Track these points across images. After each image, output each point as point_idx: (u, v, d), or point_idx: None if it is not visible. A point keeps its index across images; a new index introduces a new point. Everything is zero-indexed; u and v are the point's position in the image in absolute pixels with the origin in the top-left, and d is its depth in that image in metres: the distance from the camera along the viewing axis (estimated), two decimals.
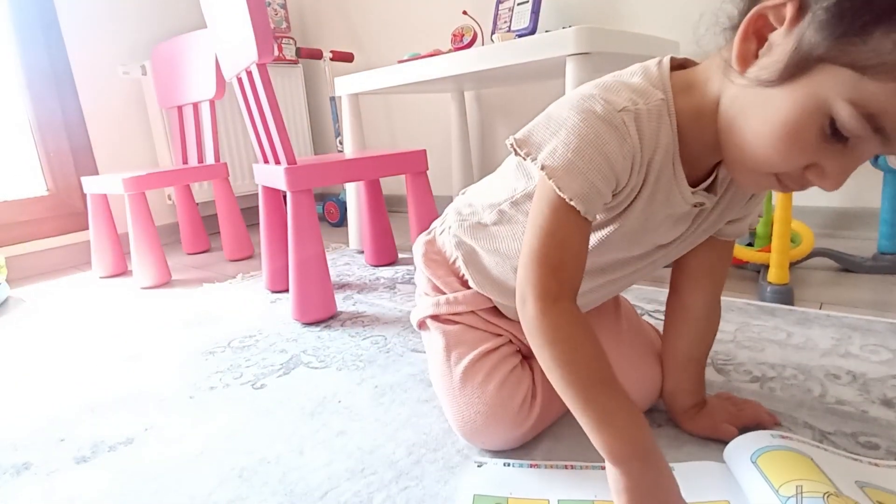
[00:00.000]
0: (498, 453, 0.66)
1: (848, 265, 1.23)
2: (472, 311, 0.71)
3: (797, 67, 0.39)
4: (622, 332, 0.73)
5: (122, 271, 1.87)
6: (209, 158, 1.92)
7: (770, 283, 1.09)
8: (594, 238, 0.56)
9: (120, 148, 2.23)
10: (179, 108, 1.99)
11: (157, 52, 1.98)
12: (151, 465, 0.72)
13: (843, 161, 0.41)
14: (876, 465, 0.57)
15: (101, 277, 1.84)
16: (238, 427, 0.79)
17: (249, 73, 1.15)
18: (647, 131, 0.48)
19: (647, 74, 0.50)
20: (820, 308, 1.04)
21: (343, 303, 1.31)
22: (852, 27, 0.35)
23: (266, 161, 1.29)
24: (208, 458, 0.72)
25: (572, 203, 0.47)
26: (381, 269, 1.61)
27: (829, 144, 0.40)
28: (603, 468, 0.61)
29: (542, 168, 0.48)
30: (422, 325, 0.76)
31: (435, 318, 0.73)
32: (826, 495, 0.48)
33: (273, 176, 1.22)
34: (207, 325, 1.26)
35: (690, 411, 0.67)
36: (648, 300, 1.15)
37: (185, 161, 2.01)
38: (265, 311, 1.31)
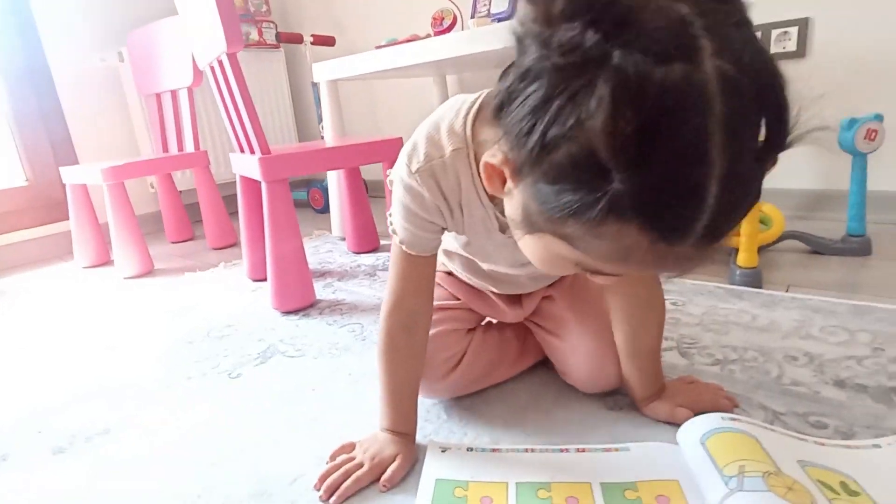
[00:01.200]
0: (463, 438, 0.69)
1: (818, 247, 1.26)
2: (442, 282, 0.79)
3: (529, 227, 0.42)
4: (585, 321, 0.75)
5: (105, 261, 1.86)
6: (189, 146, 1.91)
7: (739, 266, 1.11)
8: (458, 245, 0.68)
9: (100, 137, 2.20)
10: (158, 96, 1.97)
11: (133, 38, 1.95)
12: (127, 455, 0.73)
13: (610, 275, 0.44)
14: (822, 444, 0.59)
15: (83, 268, 1.84)
16: (213, 418, 0.81)
17: (221, 63, 1.14)
18: (444, 181, 0.55)
19: (455, 120, 0.54)
20: (787, 291, 1.07)
21: (323, 290, 1.33)
22: (553, 211, 0.36)
23: (242, 150, 1.29)
24: (183, 448, 0.74)
25: (403, 246, 0.62)
26: (362, 255, 1.62)
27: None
28: (562, 451, 0.64)
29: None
30: None
31: None
32: (766, 474, 0.50)
33: (248, 165, 1.22)
34: (187, 314, 1.27)
35: (649, 398, 0.69)
36: None
37: (165, 149, 2.00)
38: (245, 300, 1.32)
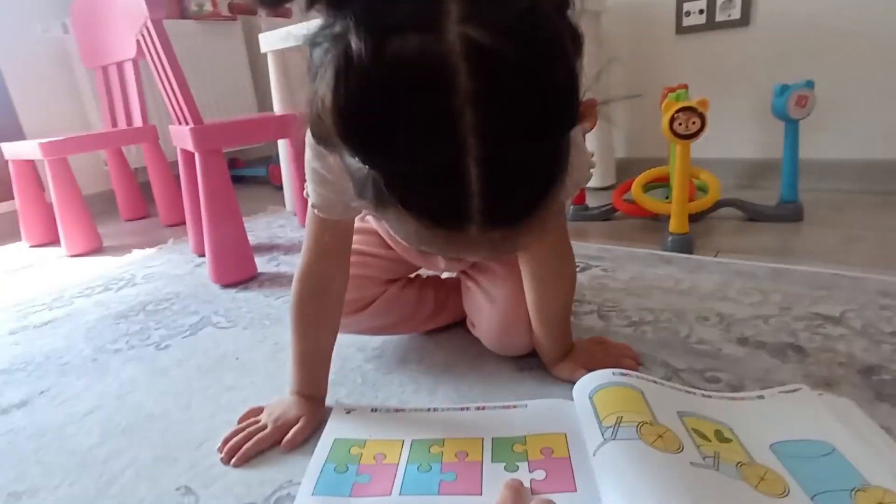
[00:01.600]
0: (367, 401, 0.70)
1: (752, 214, 1.28)
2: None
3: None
4: (511, 276, 0.74)
5: (53, 240, 1.82)
6: (137, 121, 1.86)
7: (671, 232, 1.13)
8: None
9: (48, 112, 2.14)
10: (104, 69, 1.91)
11: (76, 8, 1.88)
12: (39, 425, 0.73)
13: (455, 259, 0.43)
14: (709, 396, 0.61)
15: (30, 247, 1.80)
16: (132, 386, 0.81)
17: (149, 31, 1.11)
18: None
19: None
20: (715, 256, 1.09)
21: (266, 264, 1.32)
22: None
23: (178, 122, 1.26)
24: (97, 416, 0.74)
25: (316, 210, 0.60)
26: None
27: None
28: (463, 409, 0.65)
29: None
30: None
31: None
32: (640, 425, 0.52)
33: (183, 136, 1.20)
34: (127, 290, 1.26)
35: (556, 358, 0.71)
36: None
37: (113, 124, 1.94)
38: (187, 275, 1.31)
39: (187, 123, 1.18)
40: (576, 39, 0.34)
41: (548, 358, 0.72)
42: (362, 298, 0.76)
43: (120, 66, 1.84)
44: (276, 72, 1.67)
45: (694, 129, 1.03)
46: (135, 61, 1.80)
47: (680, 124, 1.04)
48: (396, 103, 0.29)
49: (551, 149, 0.33)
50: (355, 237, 0.75)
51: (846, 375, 0.65)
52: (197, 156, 1.14)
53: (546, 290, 0.69)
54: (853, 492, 0.46)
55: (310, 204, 0.61)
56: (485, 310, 0.75)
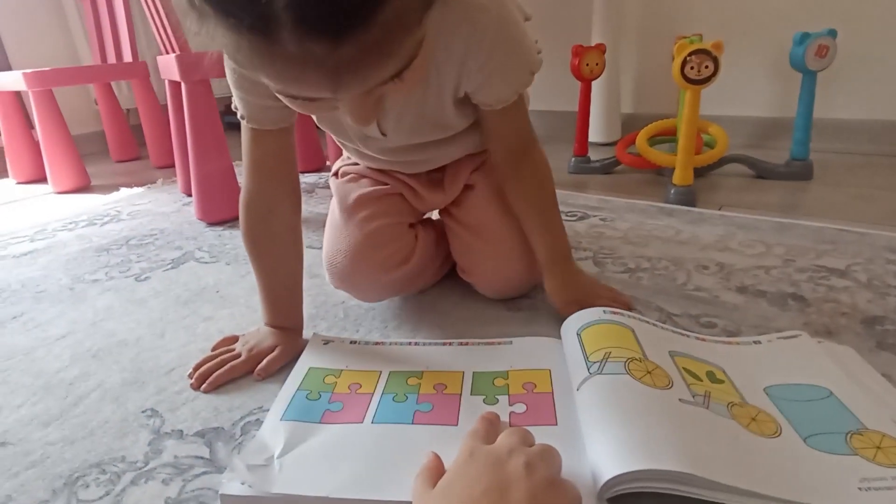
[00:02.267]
0: (346, 332, 0.67)
1: (761, 171, 1.23)
2: (366, 172, 0.74)
3: None
4: (505, 219, 0.70)
5: (41, 177, 1.78)
6: (127, 56, 1.79)
7: (674, 184, 1.08)
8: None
9: (36, 46, 2.06)
10: (93, 0, 1.82)
11: None
12: (8, 347, 0.71)
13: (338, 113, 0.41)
14: (703, 339, 0.58)
15: (17, 183, 1.76)
16: (108, 315, 0.78)
17: None
18: None
19: None
20: (719, 210, 1.05)
21: None
22: None
23: (165, 51, 1.20)
24: (68, 340, 0.71)
25: (246, 122, 0.58)
26: (306, 175, 1.56)
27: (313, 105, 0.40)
28: (445, 344, 0.62)
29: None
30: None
31: (336, 175, 0.77)
32: (628, 360, 0.49)
33: (170, 66, 1.14)
34: (111, 225, 1.22)
35: (555, 268, 0.67)
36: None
37: (103, 59, 1.87)
38: (173, 213, 1.28)
39: (174, 52, 1.12)
40: None
41: (546, 260, 0.66)
42: (400, 249, 0.69)
43: None
44: None
45: (707, 73, 0.98)
46: None
47: (692, 68, 0.98)
48: None
49: None
50: (364, 187, 0.72)
51: (848, 325, 0.62)
52: (183, 86, 1.09)
53: (522, 183, 0.65)
54: (848, 435, 0.44)
55: (239, 116, 0.58)
56: (474, 249, 0.71)
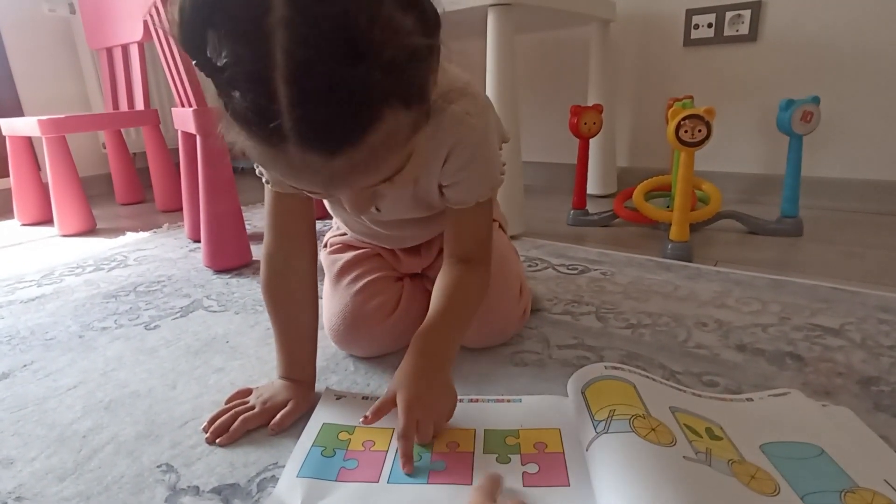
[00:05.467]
0: (356, 384, 0.68)
1: (752, 227, 1.28)
2: (352, 242, 0.82)
3: None
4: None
5: (47, 219, 1.80)
6: (139, 104, 1.85)
7: (671, 240, 1.12)
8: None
9: (50, 92, 2.12)
10: (109, 51, 1.89)
11: None
12: (20, 397, 0.71)
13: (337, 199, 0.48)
14: (698, 395, 0.60)
15: (22, 225, 1.78)
16: (118, 364, 0.79)
17: (158, 11, 1.10)
18: None
19: None
20: (715, 265, 1.08)
21: None
22: None
23: (181, 104, 1.25)
24: (80, 391, 0.72)
25: (269, 185, 0.62)
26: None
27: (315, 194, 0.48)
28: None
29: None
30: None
31: (325, 246, 0.85)
32: (633, 418, 0.51)
33: (185, 119, 1.19)
34: (118, 270, 1.24)
35: (405, 370, 0.61)
36: (557, 255, 1.18)
37: (115, 107, 1.93)
38: (180, 259, 1.29)
39: (191, 106, 1.17)
40: None
41: (402, 367, 0.58)
42: (387, 300, 0.75)
43: (125, 48, 1.83)
44: None
45: (700, 136, 1.03)
46: (140, 45, 1.79)
47: (686, 132, 1.04)
48: (220, 15, 0.34)
49: (361, 76, 0.35)
50: (348, 253, 0.79)
51: (845, 385, 0.64)
52: (198, 138, 1.13)
53: (450, 286, 0.64)
54: (842, 493, 0.46)
55: (264, 180, 0.62)
56: None
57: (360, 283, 0.75)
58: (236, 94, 0.36)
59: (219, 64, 0.35)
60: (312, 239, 0.67)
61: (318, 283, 0.69)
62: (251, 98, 0.35)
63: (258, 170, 0.61)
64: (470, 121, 0.57)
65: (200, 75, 0.43)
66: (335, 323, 0.74)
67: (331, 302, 0.76)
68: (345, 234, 0.83)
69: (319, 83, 0.35)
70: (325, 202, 0.71)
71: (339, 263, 0.78)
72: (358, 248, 0.81)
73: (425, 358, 0.58)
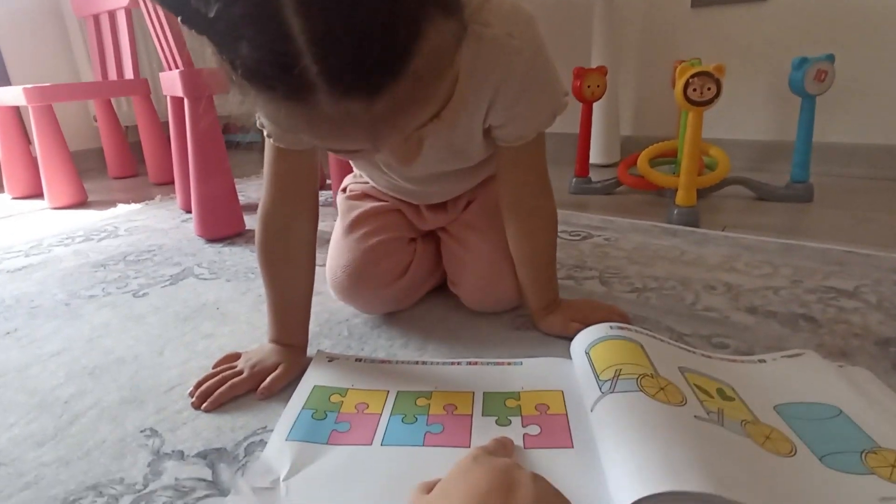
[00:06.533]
0: (351, 349, 0.66)
1: (761, 193, 1.24)
2: (372, 192, 0.77)
3: None
4: (490, 231, 0.71)
5: (38, 192, 1.76)
6: (128, 73, 1.79)
7: (677, 205, 1.08)
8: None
9: (39, 64, 2.06)
10: (96, 18, 1.83)
11: None
12: (1, 365, 0.68)
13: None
14: (709, 357, 0.57)
15: (12, 198, 1.74)
16: (105, 331, 0.76)
17: None
18: None
19: None
20: (723, 230, 1.05)
21: (255, 223, 1.27)
22: None
23: (168, 67, 1.20)
24: (64, 357, 0.69)
25: (271, 139, 0.57)
26: None
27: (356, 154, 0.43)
28: (453, 363, 0.61)
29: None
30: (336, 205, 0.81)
31: (343, 191, 0.80)
32: (640, 377, 0.48)
33: (173, 82, 1.14)
34: (108, 241, 1.20)
35: (542, 311, 0.67)
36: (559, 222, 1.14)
37: (104, 76, 1.87)
38: (172, 229, 1.26)
39: (178, 68, 1.12)
40: None
41: (534, 306, 0.68)
42: (398, 263, 0.72)
43: (112, 14, 1.76)
44: None
45: (709, 95, 0.99)
46: (127, 10, 1.73)
47: (694, 90, 0.99)
48: None
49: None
50: (366, 204, 0.75)
51: (862, 346, 0.61)
52: (186, 102, 1.08)
53: (526, 228, 0.65)
54: (863, 454, 0.43)
55: (266, 134, 0.57)
56: (464, 262, 0.72)
57: (372, 241, 0.70)
58: (243, 45, 0.29)
59: (210, 14, 0.29)
60: (314, 199, 0.63)
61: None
62: (261, 43, 0.29)
63: (258, 121, 0.56)
64: (513, 44, 0.49)
65: (195, 41, 0.34)
66: (338, 275, 0.70)
67: (338, 252, 0.72)
68: (367, 182, 0.77)
69: (341, 6, 0.27)
70: (350, 158, 0.67)
71: (355, 213, 0.73)
72: (378, 200, 0.76)
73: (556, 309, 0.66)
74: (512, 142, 0.59)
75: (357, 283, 0.70)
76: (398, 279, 0.71)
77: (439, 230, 0.77)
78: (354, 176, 0.81)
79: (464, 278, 0.72)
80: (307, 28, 0.27)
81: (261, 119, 0.55)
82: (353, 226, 0.73)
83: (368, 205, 0.75)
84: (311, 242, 0.63)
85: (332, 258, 0.72)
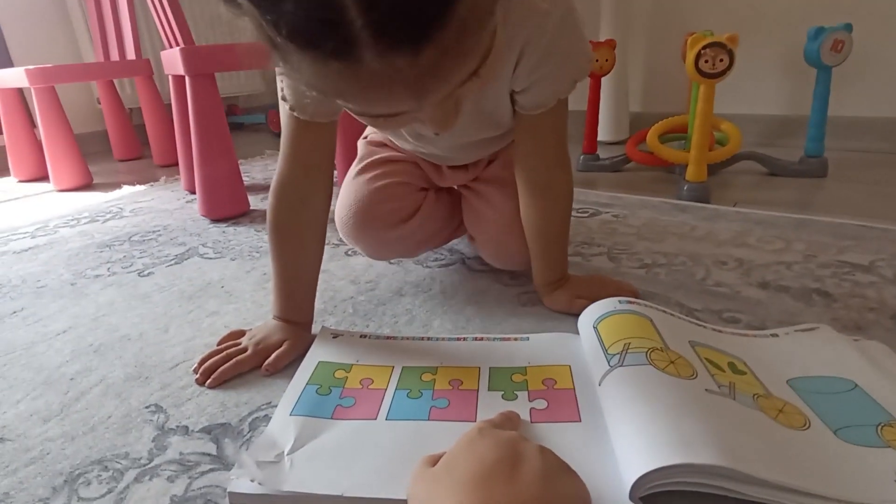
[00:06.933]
0: (355, 326, 0.65)
1: (774, 168, 1.21)
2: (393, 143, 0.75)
3: None
4: (504, 192, 0.70)
5: (43, 175, 1.76)
6: (130, 54, 1.77)
7: (687, 181, 1.06)
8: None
9: (38, 43, 2.05)
10: None
11: None
12: (8, 342, 0.69)
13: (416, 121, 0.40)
14: (720, 331, 0.56)
15: (18, 181, 1.74)
16: (110, 310, 0.76)
17: None
18: None
19: None
20: (734, 206, 1.03)
21: (260, 202, 1.26)
22: None
23: (169, 45, 1.19)
24: (69, 335, 0.69)
25: (294, 112, 0.56)
26: None
27: (394, 120, 0.39)
28: (459, 339, 0.60)
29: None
30: None
31: (364, 137, 0.80)
32: (650, 350, 0.47)
33: (174, 60, 1.12)
34: (113, 221, 1.20)
35: (549, 287, 0.66)
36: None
37: (106, 57, 1.86)
38: (177, 210, 1.26)
39: (179, 45, 1.11)
40: None
41: (540, 281, 0.67)
42: (404, 207, 0.71)
43: None
44: None
45: (721, 66, 0.96)
46: None
47: (706, 61, 0.96)
48: None
49: None
50: (379, 152, 0.74)
51: (878, 320, 0.60)
52: (188, 80, 1.07)
53: (540, 200, 0.63)
54: (879, 427, 0.42)
55: (287, 106, 0.55)
56: (484, 216, 0.71)
57: (380, 183, 0.70)
58: (287, 3, 0.29)
59: None
60: (330, 175, 0.62)
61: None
62: (309, 2, 0.28)
63: (280, 92, 0.56)
64: (543, 6, 0.49)
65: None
66: (344, 214, 0.71)
67: (346, 192, 0.72)
68: None
69: None
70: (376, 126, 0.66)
71: (370, 158, 0.73)
72: (397, 150, 0.75)
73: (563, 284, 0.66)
74: (531, 109, 0.57)
75: (362, 223, 0.70)
76: (403, 223, 0.71)
77: (460, 187, 0.77)
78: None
79: (485, 234, 0.71)
80: None
81: (285, 90, 0.54)
82: (364, 169, 0.73)
83: (385, 153, 0.74)
84: (324, 218, 0.62)
85: (342, 198, 0.72)
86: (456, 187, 0.78)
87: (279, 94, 0.56)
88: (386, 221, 0.70)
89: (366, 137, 0.79)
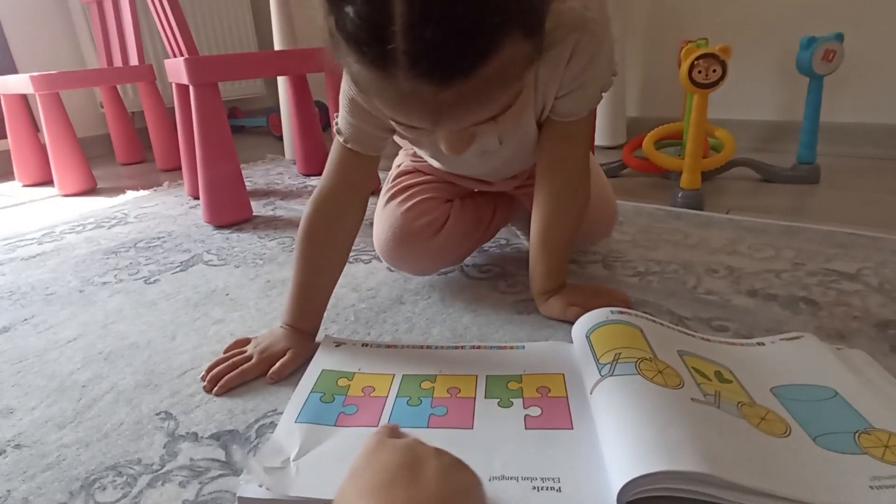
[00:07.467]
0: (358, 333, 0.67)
1: (767, 175, 1.23)
2: (426, 165, 0.80)
3: None
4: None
5: (48, 180, 1.78)
6: (133, 60, 1.79)
7: (681, 188, 1.08)
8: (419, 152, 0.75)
9: (42, 48, 2.07)
10: (99, 3, 1.83)
11: None
12: (20, 349, 0.71)
13: (437, 139, 0.46)
14: (707, 340, 0.58)
15: (23, 186, 1.76)
16: (118, 317, 0.78)
17: None
18: None
19: None
20: (727, 213, 1.05)
21: (262, 208, 1.28)
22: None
23: (173, 55, 1.21)
24: (80, 343, 0.71)
25: (347, 144, 0.62)
26: (312, 178, 1.57)
27: (415, 132, 0.46)
28: (457, 347, 0.62)
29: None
30: None
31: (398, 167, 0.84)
32: (639, 361, 0.49)
33: (178, 69, 1.15)
34: (118, 227, 1.22)
35: (545, 295, 0.68)
36: None
37: (109, 63, 1.88)
38: (181, 216, 1.28)
39: (182, 55, 1.13)
40: None
41: (538, 289, 0.69)
42: (436, 219, 0.76)
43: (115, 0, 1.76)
44: (277, 7, 1.60)
45: (714, 77, 0.98)
46: None
47: (700, 72, 0.98)
48: None
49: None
50: (404, 181, 0.79)
51: (861, 328, 0.62)
52: (191, 89, 1.09)
53: (551, 213, 0.66)
54: (856, 434, 0.44)
55: (340, 138, 0.61)
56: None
57: (409, 203, 0.75)
58: (349, 9, 0.34)
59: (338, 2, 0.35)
60: (367, 197, 0.66)
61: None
62: (366, 14, 0.34)
63: (335, 126, 0.62)
64: (590, 16, 0.52)
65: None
66: (383, 239, 0.75)
67: (380, 220, 0.77)
68: (419, 160, 0.80)
69: (441, 4, 0.33)
70: (412, 142, 0.71)
71: (394, 189, 0.78)
72: (426, 174, 0.80)
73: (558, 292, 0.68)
74: (565, 116, 0.61)
75: (402, 242, 0.74)
76: (437, 233, 0.75)
77: (514, 190, 0.81)
78: (406, 153, 0.84)
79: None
80: (407, 11, 0.33)
81: (339, 121, 0.61)
82: (392, 196, 0.77)
83: (409, 179, 0.79)
84: (353, 236, 0.66)
85: (376, 228, 0.77)
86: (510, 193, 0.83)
87: (334, 129, 0.62)
88: (422, 235, 0.74)
89: (399, 166, 0.83)
